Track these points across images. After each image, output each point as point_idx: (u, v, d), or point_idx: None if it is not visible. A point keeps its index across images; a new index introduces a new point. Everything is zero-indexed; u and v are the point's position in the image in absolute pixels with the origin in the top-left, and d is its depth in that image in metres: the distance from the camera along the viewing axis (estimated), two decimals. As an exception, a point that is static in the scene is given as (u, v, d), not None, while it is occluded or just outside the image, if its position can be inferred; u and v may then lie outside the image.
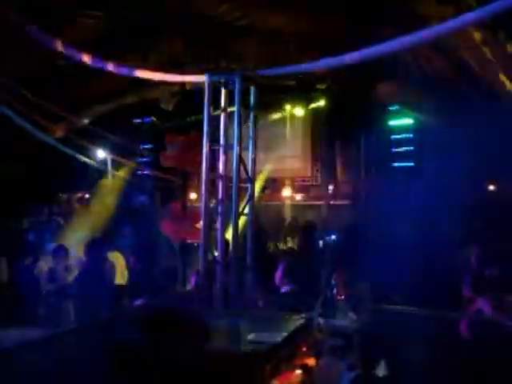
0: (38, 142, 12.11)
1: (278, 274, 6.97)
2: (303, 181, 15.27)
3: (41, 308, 8.93)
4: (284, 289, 7.49)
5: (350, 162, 13.43)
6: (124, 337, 3.67)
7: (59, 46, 8.50)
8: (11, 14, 8.31)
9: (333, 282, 4.94)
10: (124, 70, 8.03)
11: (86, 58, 8.22)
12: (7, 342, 5.77)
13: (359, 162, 12.30)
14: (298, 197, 15.18)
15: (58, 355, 4.48)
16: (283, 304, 6.43)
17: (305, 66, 6.23)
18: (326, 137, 14.54)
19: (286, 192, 14.98)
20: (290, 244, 11.72)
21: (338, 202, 13.68)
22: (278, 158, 14.71)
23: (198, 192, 12.77)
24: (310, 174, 15.21)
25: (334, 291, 4.86)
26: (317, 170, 15.12)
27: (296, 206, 14.78)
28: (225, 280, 6.33)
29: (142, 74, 7.94)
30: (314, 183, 15.13)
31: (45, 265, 9.32)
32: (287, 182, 15.25)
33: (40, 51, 9.19)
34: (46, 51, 9.14)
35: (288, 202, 14.99)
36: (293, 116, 14.85)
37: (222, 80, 6.65)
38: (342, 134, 13.57)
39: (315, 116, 14.58)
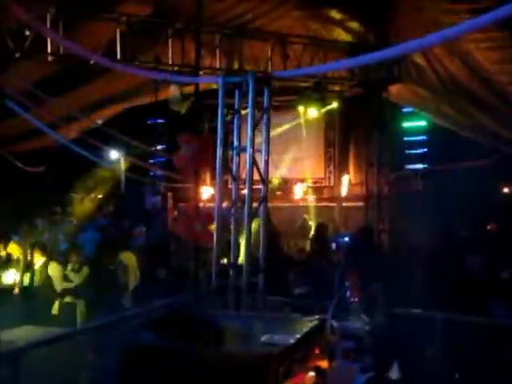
0: (52, 142, 12.23)
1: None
2: (316, 182, 15.24)
3: (54, 307, 8.99)
4: (297, 291, 7.50)
5: (363, 164, 13.38)
6: (138, 337, 3.68)
7: (73, 47, 8.59)
8: (25, 15, 8.39)
9: (346, 283, 4.92)
10: (137, 71, 8.08)
11: (100, 60, 8.28)
12: (21, 340, 5.82)
13: (373, 164, 12.25)
14: (311, 198, 15.15)
15: (73, 354, 4.51)
16: (296, 306, 6.43)
17: (318, 68, 6.23)
18: (340, 138, 14.51)
19: (299, 193, 14.97)
20: (301, 246, 11.70)
21: (351, 204, 13.63)
22: (291, 160, 14.70)
23: (211, 193, 12.83)
24: (323, 176, 15.18)
25: (348, 293, 4.84)
26: (330, 172, 15.09)
27: (309, 208, 14.75)
28: (237, 282, 6.34)
29: (154, 74, 7.99)
30: (327, 184, 15.10)
31: (58, 265, 9.37)
32: (300, 183, 15.24)
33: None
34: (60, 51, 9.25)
35: (301, 203, 14.97)
36: (306, 117, 14.83)
37: (236, 82, 6.64)
38: (355, 135, 13.53)
39: (329, 117, 14.56)
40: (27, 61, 9.01)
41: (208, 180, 12.52)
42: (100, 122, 12.91)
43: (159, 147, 15.23)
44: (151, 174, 15.44)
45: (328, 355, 3.94)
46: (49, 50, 8.86)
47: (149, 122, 15.03)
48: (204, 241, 9.00)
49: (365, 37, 9.59)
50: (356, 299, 4.77)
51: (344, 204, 13.92)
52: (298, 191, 15.01)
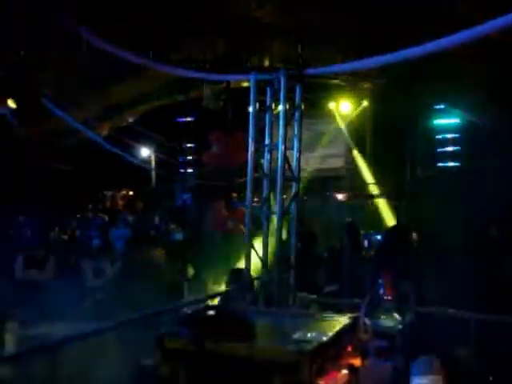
0: (84, 140, 12.40)
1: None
2: (346, 180, 15.15)
3: (86, 303, 9.12)
4: (327, 288, 7.46)
5: (394, 162, 13.26)
6: (170, 333, 3.71)
7: (106, 46, 8.68)
8: (61, 15, 8.52)
9: (380, 281, 4.89)
10: (170, 70, 8.14)
11: (132, 57, 8.36)
12: (54, 336, 5.92)
13: (404, 162, 12.13)
14: (340, 196, 15.07)
15: (105, 349, 4.57)
16: (325, 304, 6.41)
17: (353, 65, 6.17)
18: (370, 135, 14.40)
19: (329, 191, 14.90)
20: (332, 243, 11.63)
21: (382, 202, 13.51)
22: (321, 158, 14.64)
23: (242, 190, 12.87)
24: (353, 174, 15.08)
25: (381, 291, 4.80)
26: (360, 170, 14.97)
27: (338, 206, 14.68)
28: (268, 279, 6.36)
29: (187, 73, 8.04)
30: (357, 182, 14.99)
31: (90, 261, 9.52)
32: (329, 181, 15.17)
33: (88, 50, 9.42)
34: (93, 50, 9.36)
35: (330, 201, 14.90)
36: (336, 114, 14.76)
37: (267, 79, 6.65)
38: (386, 132, 13.40)
39: (359, 114, 14.46)
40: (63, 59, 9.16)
41: (240, 178, 12.56)
42: (131, 120, 13.05)
43: (189, 145, 15.34)
44: (182, 171, 15.58)
45: (361, 353, 3.92)
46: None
47: (179, 120, 15.14)
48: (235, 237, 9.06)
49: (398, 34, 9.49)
50: (389, 297, 4.73)
51: (375, 202, 13.80)
52: (327, 189, 14.95)
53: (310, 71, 6.66)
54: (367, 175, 14.58)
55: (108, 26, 9.22)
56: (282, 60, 9.26)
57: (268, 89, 6.72)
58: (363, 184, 14.61)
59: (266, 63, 9.78)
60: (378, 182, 14.03)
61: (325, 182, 15.09)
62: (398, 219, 11.27)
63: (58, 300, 7.96)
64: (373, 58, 6.23)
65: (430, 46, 5.41)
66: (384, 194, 13.66)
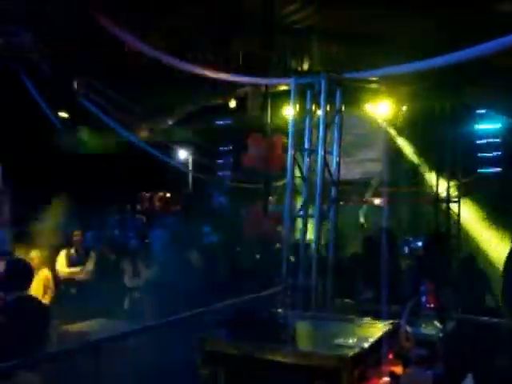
0: (123, 141, 12.58)
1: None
2: (382, 184, 14.94)
3: (125, 302, 9.26)
4: (364, 295, 7.40)
5: (433, 167, 13.04)
6: (211, 335, 3.74)
7: (143, 48, 8.79)
8: (99, 16, 8.66)
9: (422, 289, 4.82)
10: (209, 72, 8.18)
11: (173, 61, 8.44)
12: (95, 333, 6.02)
13: (443, 167, 11.93)
14: (377, 201, 14.89)
15: (146, 349, 4.62)
16: (362, 310, 6.36)
17: (395, 69, 6.10)
18: (409, 140, 14.20)
19: (367, 195, 14.74)
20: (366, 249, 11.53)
21: (420, 207, 13.31)
22: (357, 162, 14.50)
23: (279, 194, 12.83)
24: (390, 178, 14.88)
25: (423, 299, 4.74)
26: (397, 174, 14.77)
27: (375, 210, 14.51)
28: (306, 283, 6.34)
29: (226, 76, 8.07)
30: (395, 187, 14.78)
31: (129, 261, 9.65)
32: (366, 185, 15.01)
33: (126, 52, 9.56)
34: (131, 52, 9.49)
35: (367, 205, 14.73)
36: (373, 118, 14.61)
37: (308, 82, 6.64)
38: (425, 137, 13.20)
39: (397, 119, 14.27)
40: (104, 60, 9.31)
41: (277, 181, 12.55)
42: (171, 122, 13.17)
43: (227, 148, 15.41)
44: (219, 173, 15.65)
45: (402, 361, 3.88)
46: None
47: (217, 123, 15.22)
48: (272, 241, 9.07)
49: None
50: (432, 305, 4.67)
51: (412, 207, 13.60)
52: (366, 193, 14.77)
53: (351, 75, 6.62)
54: (405, 180, 14.38)
55: (147, 26, 9.34)
56: (322, 63, 9.22)
57: (308, 92, 6.72)
58: (401, 189, 14.42)
59: (305, 67, 9.75)
60: (417, 188, 13.83)
61: (362, 186, 14.95)
62: (438, 225, 11.09)
63: (97, 298, 8.12)
64: (414, 62, 6.16)
65: (474, 51, 5.33)
66: (421, 198, 13.46)
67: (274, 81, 8.15)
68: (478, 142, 13.16)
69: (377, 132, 14.54)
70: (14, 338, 4.91)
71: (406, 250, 8.73)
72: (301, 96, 6.94)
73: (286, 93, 11.21)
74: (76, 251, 9.08)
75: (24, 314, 5.17)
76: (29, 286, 5.57)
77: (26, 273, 5.52)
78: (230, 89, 11.49)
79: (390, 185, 14.73)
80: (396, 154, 14.51)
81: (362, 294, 7.30)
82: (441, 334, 4.79)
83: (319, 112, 6.76)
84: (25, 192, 8.69)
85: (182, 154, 14.75)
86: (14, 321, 5.06)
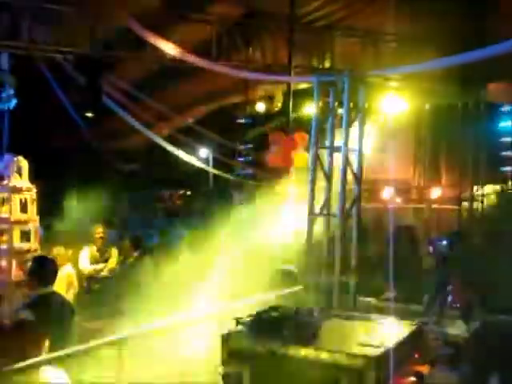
0: (144, 139, 12.65)
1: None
2: (404, 183, 14.83)
3: (144, 299, 9.27)
4: (387, 294, 7.34)
5: (456, 165, 12.89)
6: (235, 332, 3.74)
7: (168, 48, 8.83)
8: (123, 15, 8.71)
9: (448, 289, 4.77)
10: (231, 71, 8.20)
11: (196, 60, 8.46)
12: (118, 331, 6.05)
13: (466, 165, 11.79)
14: (399, 199, 14.77)
15: (169, 346, 4.64)
16: (386, 309, 6.31)
17: (418, 66, 6.04)
18: (431, 138, 14.05)
19: (386, 194, 14.63)
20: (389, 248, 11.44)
21: (443, 206, 13.16)
22: (378, 159, 14.38)
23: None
24: (411, 176, 14.77)
25: (450, 298, 4.69)
26: (419, 172, 14.65)
27: (396, 209, 14.39)
28: (329, 281, 6.32)
29: (248, 74, 8.07)
30: (416, 185, 14.66)
31: (150, 259, 9.68)
32: (387, 183, 14.89)
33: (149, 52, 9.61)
34: (155, 52, 9.54)
35: (387, 204, 14.61)
36: (394, 116, 14.49)
37: (331, 80, 6.60)
38: (448, 135, 13.06)
39: (418, 116, 14.15)
40: (127, 61, 9.37)
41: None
42: (191, 120, 13.21)
43: (247, 146, 15.39)
44: (239, 171, 15.65)
45: (428, 361, 3.84)
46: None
47: (237, 121, 15.23)
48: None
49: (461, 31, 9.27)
50: (458, 305, 4.62)
51: (434, 206, 13.46)
52: (386, 192, 14.66)
53: (375, 72, 6.57)
54: (426, 178, 14.26)
55: (170, 26, 9.39)
56: (344, 61, 9.19)
57: (331, 90, 6.67)
58: (423, 188, 14.29)
59: (327, 65, 9.73)
60: (439, 187, 13.69)
61: (382, 185, 14.84)
62: (460, 224, 10.96)
63: (119, 295, 8.16)
64: (439, 59, 6.11)
65: (498, 48, 5.25)
66: (444, 197, 13.32)
67: (296, 79, 8.12)
68: (502, 140, 13.00)
69: (395, 130, 14.44)
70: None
71: (431, 249, 8.61)
72: (322, 94, 6.90)
73: (305, 91, 11.23)
74: (99, 249, 9.13)
75: (49, 310, 5.21)
76: (53, 283, 5.62)
77: (50, 269, 5.56)
78: (251, 87, 11.52)
79: (411, 184, 14.65)
80: (417, 153, 14.41)
81: (385, 293, 7.24)
82: (466, 334, 4.74)
83: (340, 110, 6.74)
84: (49, 189, 8.77)
85: (203, 153, 14.78)
86: (38, 317, 5.10)
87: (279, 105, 11.04)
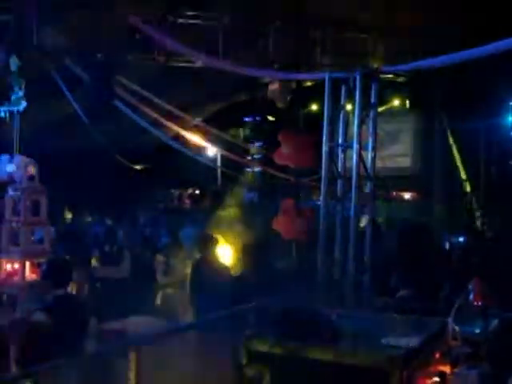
0: (151, 139, 12.63)
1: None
2: (414, 179, 14.76)
3: (157, 300, 9.28)
4: (401, 292, 7.28)
5: (468, 160, 12.80)
6: (255, 334, 3.70)
7: (175, 46, 8.79)
8: (130, 16, 8.69)
9: (470, 287, 4.71)
10: (241, 69, 8.15)
11: (205, 58, 8.42)
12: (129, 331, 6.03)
13: (478, 160, 11.72)
14: (408, 196, 14.73)
15: (190, 348, 4.60)
16: (401, 308, 6.26)
17: (433, 61, 5.97)
18: (440, 134, 13.97)
19: (396, 191, 14.59)
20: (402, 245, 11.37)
21: (454, 201, 13.09)
22: (387, 157, 14.33)
23: (312, 190, 12.75)
24: (421, 172, 14.70)
25: (471, 296, 4.63)
26: (429, 168, 14.55)
27: (406, 206, 14.35)
28: (343, 279, 6.29)
29: (258, 72, 8.03)
30: (427, 181, 14.57)
31: (161, 258, 9.68)
32: (396, 181, 14.84)
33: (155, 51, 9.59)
34: (161, 51, 9.52)
35: (397, 200, 14.57)
36: (402, 112, 14.44)
37: (342, 77, 6.55)
38: (457, 131, 12.98)
39: (428, 112, 14.08)
40: (137, 61, 9.36)
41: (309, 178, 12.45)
42: (199, 119, 13.18)
43: (257, 144, 15.35)
44: (248, 170, 15.61)
45: (450, 360, 3.79)
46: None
47: (246, 119, 15.21)
48: (304, 238, 8.99)
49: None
50: (480, 303, 4.56)
51: (446, 201, 13.38)
52: (394, 189, 14.63)
53: (387, 69, 6.51)
54: (436, 174, 14.17)
55: (178, 24, 9.36)
56: (355, 58, 9.13)
57: (342, 87, 6.63)
58: (432, 183, 14.21)
59: (336, 61, 9.66)
60: (449, 182, 13.60)
61: (392, 181, 14.79)
62: (473, 220, 10.89)
63: (131, 296, 8.16)
64: (452, 54, 6.02)
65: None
66: (456, 193, 13.23)
67: (307, 76, 8.07)
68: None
69: (406, 126, 14.38)
70: (54, 335, 4.95)
71: (447, 245, 8.55)
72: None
73: (312, 88, 11.17)
74: (110, 249, 9.14)
75: (64, 312, 5.20)
76: (68, 285, 5.62)
77: (65, 271, 5.57)
78: (259, 85, 11.46)
79: (422, 179, 14.57)
80: (423, 148, 14.34)
81: (400, 291, 7.17)
82: (486, 332, 4.68)
83: (349, 106, 6.71)
84: (59, 191, 8.77)
85: (211, 151, 14.75)
86: (54, 319, 5.09)
87: (287, 102, 10.96)
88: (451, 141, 13.15)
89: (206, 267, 6.91)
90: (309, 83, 11.01)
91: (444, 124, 13.38)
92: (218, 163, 15.08)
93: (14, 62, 7.97)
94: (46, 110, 10.14)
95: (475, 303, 4.58)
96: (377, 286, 6.88)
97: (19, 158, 7.57)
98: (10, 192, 7.40)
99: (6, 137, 8.03)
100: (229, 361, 3.85)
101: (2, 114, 7.90)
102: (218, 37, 9.48)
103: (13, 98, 7.94)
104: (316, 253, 6.80)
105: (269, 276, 8.52)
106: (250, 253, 7.01)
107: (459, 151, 13.07)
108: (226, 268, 7.29)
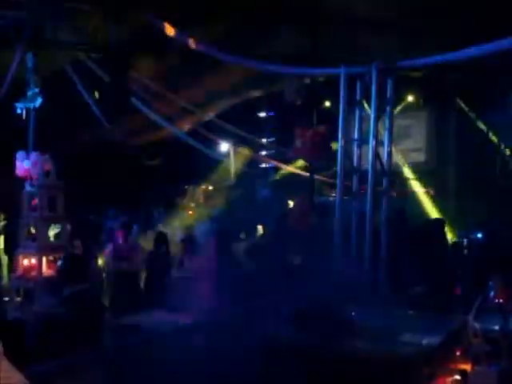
0: (168, 135, 12.65)
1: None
2: (428, 174, 14.68)
3: (171, 294, 9.28)
4: (415, 289, 7.24)
5: (483, 157, 12.68)
6: (276, 330, 3.70)
7: (189, 42, 8.76)
8: (143, 13, 8.67)
9: (490, 284, 4.67)
10: (256, 65, 8.11)
11: (218, 54, 8.39)
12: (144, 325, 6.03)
13: (493, 157, 11.60)
14: (422, 191, 14.63)
15: (209, 343, 4.60)
16: (415, 304, 6.23)
17: (452, 55, 5.90)
18: (455, 128, 13.87)
19: (409, 186, 14.53)
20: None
21: (468, 198, 12.96)
22: (401, 152, 14.26)
23: (325, 186, 12.72)
24: (435, 168, 14.62)
25: (492, 293, 4.59)
26: (444, 164, 14.47)
27: (419, 201, 14.26)
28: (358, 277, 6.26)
29: (274, 68, 7.98)
30: (442, 177, 14.48)
31: (175, 254, 9.67)
32: (410, 175, 14.77)
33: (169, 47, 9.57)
34: (175, 47, 9.49)
35: (411, 196, 14.48)
36: (416, 107, 14.36)
37: (358, 72, 6.51)
38: (474, 125, 12.86)
39: (442, 107, 13.98)
40: (149, 56, 9.35)
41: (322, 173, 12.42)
42: (213, 114, 13.16)
43: (270, 139, 15.32)
44: (262, 165, 15.60)
45: (470, 358, 3.76)
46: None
47: (260, 115, 15.17)
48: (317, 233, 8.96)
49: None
50: (501, 300, 4.52)
51: (459, 197, 13.28)
52: (408, 183, 14.57)
53: (404, 64, 6.45)
54: (452, 170, 14.08)
55: (194, 22, 9.33)
56: (370, 53, 9.04)
57: (358, 83, 6.58)
58: (448, 179, 14.11)
59: (352, 57, 9.57)
60: (465, 178, 13.47)
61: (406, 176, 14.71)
62: (491, 217, 10.75)
63: (145, 290, 8.17)
64: (467, 49, 5.95)
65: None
66: (472, 189, 13.10)
67: (322, 71, 8.02)
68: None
69: (421, 122, 14.29)
70: (71, 330, 4.99)
71: (465, 241, 8.45)
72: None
73: (325, 83, 11.11)
74: (124, 243, 9.14)
75: (80, 307, 5.23)
76: (83, 280, 5.65)
77: (80, 267, 5.60)
78: (273, 81, 11.41)
79: (435, 174, 14.47)
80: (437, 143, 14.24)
81: (415, 288, 7.14)
82: (505, 330, 4.63)
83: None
84: (75, 187, 8.80)
85: (225, 147, 14.73)
86: (71, 314, 5.13)
87: (300, 98, 10.92)
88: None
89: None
90: (322, 79, 10.95)
91: (460, 118, 13.28)
92: (231, 159, 15.05)
93: (29, 59, 8.00)
94: (62, 106, 10.15)
95: (496, 300, 4.53)
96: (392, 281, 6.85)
97: (35, 155, 7.60)
98: (27, 188, 7.44)
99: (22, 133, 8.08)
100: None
101: (19, 111, 7.93)
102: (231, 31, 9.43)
103: (29, 94, 7.96)
104: (331, 249, 6.78)
105: (283, 272, 8.53)
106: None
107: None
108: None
